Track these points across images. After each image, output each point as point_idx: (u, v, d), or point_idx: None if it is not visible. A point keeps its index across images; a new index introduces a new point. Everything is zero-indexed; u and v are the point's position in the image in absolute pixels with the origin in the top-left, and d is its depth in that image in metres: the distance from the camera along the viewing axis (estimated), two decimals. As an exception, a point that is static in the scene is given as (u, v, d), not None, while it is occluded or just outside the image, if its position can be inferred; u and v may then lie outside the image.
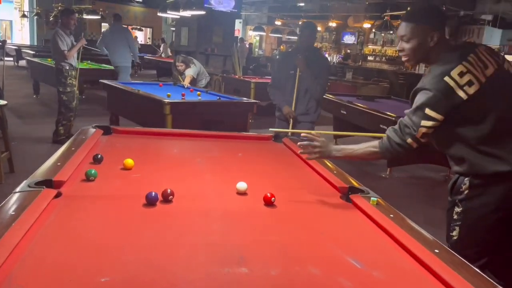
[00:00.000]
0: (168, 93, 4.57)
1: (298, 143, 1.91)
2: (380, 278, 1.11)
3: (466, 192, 1.79)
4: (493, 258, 1.80)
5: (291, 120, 3.67)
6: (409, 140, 1.75)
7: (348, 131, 6.11)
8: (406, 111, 1.80)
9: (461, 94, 1.67)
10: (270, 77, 4.65)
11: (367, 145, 1.89)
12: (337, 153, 1.89)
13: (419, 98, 1.73)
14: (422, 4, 1.86)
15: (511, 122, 1.74)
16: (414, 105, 1.75)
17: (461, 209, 1.81)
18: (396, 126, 1.80)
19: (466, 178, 1.78)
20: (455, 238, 1.84)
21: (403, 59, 1.93)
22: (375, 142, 1.86)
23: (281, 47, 17.21)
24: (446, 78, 1.68)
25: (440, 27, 1.81)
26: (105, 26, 17.09)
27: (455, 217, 1.83)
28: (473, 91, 1.67)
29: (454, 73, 1.69)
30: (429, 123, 1.70)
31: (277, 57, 4.68)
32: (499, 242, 1.81)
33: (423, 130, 1.71)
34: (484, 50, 1.79)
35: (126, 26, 9.19)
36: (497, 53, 1.86)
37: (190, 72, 6.01)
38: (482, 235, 1.79)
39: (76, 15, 5.36)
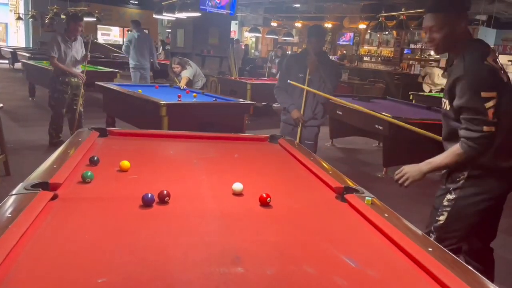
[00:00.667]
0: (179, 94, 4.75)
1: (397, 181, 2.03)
2: (375, 276, 1.12)
3: (462, 181, 1.90)
4: (472, 243, 1.95)
5: (300, 125, 3.63)
6: (485, 128, 1.75)
7: (344, 132, 6.14)
8: (459, 104, 1.81)
9: (503, 76, 1.78)
10: (265, 78, 4.66)
11: (451, 152, 1.89)
12: (426, 167, 1.96)
13: (467, 88, 1.76)
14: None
15: None
16: (464, 97, 1.77)
17: (453, 196, 1.94)
18: (464, 126, 1.81)
19: (466, 169, 1.88)
20: (441, 222, 1.97)
21: (432, 48, 1.98)
22: (457, 146, 1.86)
23: (276, 49, 17.19)
24: (486, 62, 1.76)
25: (466, 15, 1.89)
26: (101, 28, 17.12)
27: (445, 203, 1.96)
28: (506, 79, 1.77)
29: (489, 59, 1.78)
30: (491, 103, 1.73)
31: (288, 57, 4.67)
32: (482, 229, 1.96)
33: (491, 110, 1.73)
34: (495, 52, 1.89)
35: (147, 32, 10.04)
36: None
37: (186, 74, 6.03)
38: (469, 222, 1.92)
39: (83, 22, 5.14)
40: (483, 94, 1.73)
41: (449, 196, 1.96)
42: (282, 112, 3.82)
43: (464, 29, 1.87)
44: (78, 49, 5.04)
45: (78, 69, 5.10)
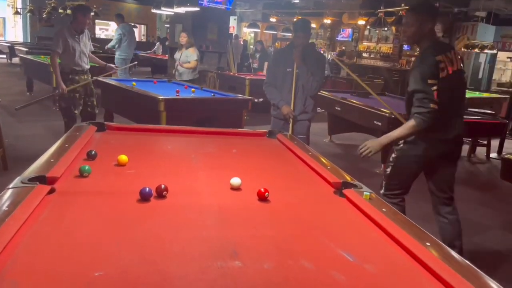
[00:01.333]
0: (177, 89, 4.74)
1: (360, 154, 2.52)
2: (373, 271, 1.12)
3: (401, 144, 2.59)
4: (407, 188, 2.69)
5: (291, 120, 3.62)
6: (432, 105, 2.31)
7: (343, 128, 6.14)
8: (414, 88, 2.40)
9: (440, 73, 2.36)
10: (264, 74, 4.65)
11: (406, 125, 2.43)
12: (385, 139, 2.50)
13: (420, 74, 2.36)
14: (421, 1, 2.62)
15: (454, 107, 2.49)
16: (418, 81, 2.36)
17: (395, 155, 2.66)
18: (417, 104, 2.36)
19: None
20: (388, 173, 2.71)
21: (404, 39, 2.67)
22: (411, 121, 2.40)
23: (276, 44, 17.19)
24: (437, 58, 2.36)
25: (433, 19, 2.47)
26: (99, 23, 17.05)
27: (391, 159, 2.70)
28: (443, 76, 2.37)
29: (438, 58, 2.37)
30: (434, 87, 2.32)
31: (272, 54, 4.69)
32: (413, 178, 2.66)
33: (435, 93, 2.32)
34: (455, 53, 2.50)
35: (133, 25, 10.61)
36: (462, 58, 2.56)
37: (195, 57, 6.15)
38: (406, 172, 2.65)
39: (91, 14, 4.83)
40: (430, 81, 2.32)
41: (393, 155, 2.67)
42: (272, 107, 3.80)
43: (430, 30, 2.46)
44: (86, 43, 4.72)
45: (87, 64, 4.77)
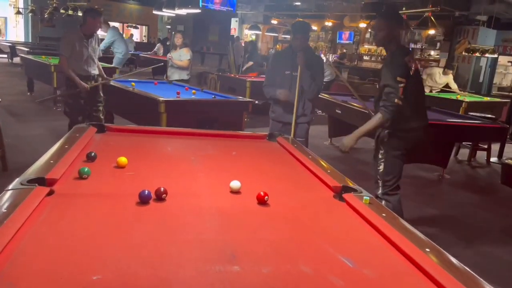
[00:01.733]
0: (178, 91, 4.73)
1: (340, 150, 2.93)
2: (372, 276, 1.12)
3: (386, 139, 2.88)
4: (400, 178, 2.96)
5: (293, 121, 3.59)
6: (396, 100, 2.64)
7: (343, 131, 6.12)
8: (384, 83, 2.72)
9: (410, 72, 2.70)
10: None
11: (373, 118, 2.78)
12: (357, 133, 2.85)
13: (390, 73, 2.69)
14: (390, 8, 3.19)
15: (421, 100, 2.97)
16: (388, 78, 2.68)
17: (383, 151, 2.93)
18: (384, 98, 2.70)
19: (387, 131, 2.86)
20: (381, 170, 2.94)
21: (375, 41, 3.01)
22: (378, 114, 2.74)
23: (277, 46, 17.20)
24: (405, 59, 2.70)
25: (401, 26, 2.95)
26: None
27: (380, 156, 2.94)
28: (411, 74, 2.71)
29: (407, 59, 2.71)
30: (402, 85, 2.64)
31: (271, 56, 4.73)
32: (402, 167, 2.95)
33: (401, 90, 2.64)
34: (413, 55, 2.88)
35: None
36: (417, 59, 3.00)
37: (189, 57, 6.26)
38: (397, 164, 2.92)
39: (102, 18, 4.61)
40: (398, 79, 2.63)
41: (381, 151, 2.93)
42: (270, 110, 3.80)
43: (397, 35, 2.84)
44: (95, 48, 4.51)
45: (95, 70, 4.57)
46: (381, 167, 2.92)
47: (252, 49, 11.11)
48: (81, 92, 4.41)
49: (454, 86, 8.50)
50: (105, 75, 4.84)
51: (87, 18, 4.38)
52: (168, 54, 6.53)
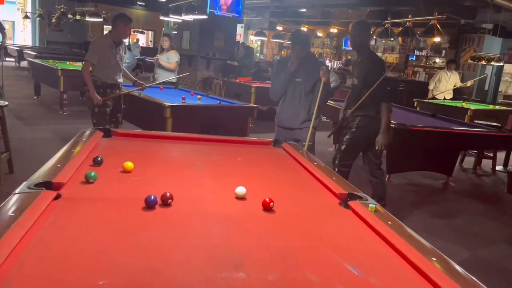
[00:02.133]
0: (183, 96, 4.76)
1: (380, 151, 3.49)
2: (378, 285, 1.11)
3: (354, 128, 3.46)
4: (355, 158, 3.58)
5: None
6: (388, 88, 3.51)
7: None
8: (373, 79, 3.33)
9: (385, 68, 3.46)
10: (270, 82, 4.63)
11: (385, 109, 3.35)
12: (385, 129, 3.36)
13: (382, 74, 3.30)
14: (359, 21, 3.72)
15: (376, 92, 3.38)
16: (376, 74, 3.31)
17: (349, 136, 3.50)
18: (385, 93, 3.40)
19: (358, 118, 3.46)
20: (342, 149, 3.50)
21: (351, 45, 3.64)
22: (385, 104, 3.35)
23: (283, 52, 17.24)
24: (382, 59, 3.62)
25: (367, 34, 3.55)
26: (108, 29, 17.20)
27: (345, 139, 3.51)
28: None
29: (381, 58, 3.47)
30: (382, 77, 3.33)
31: (275, 63, 4.71)
32: (359, 152, 3.59)
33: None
34: None
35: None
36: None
37: (176, 59, 6.34)
38: (358, 149, 3.57)
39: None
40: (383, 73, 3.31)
41: (347, 136, 3.49)
42: (275, 116, 3.80)
43: (368, 42, 3.58)
44: (122, 56, 4.40)
45: (120, 78, 4.45)
46: (343, 147, 3.50)
47: (245, 51, 10.66)
48: (93, 105, 4.28)
49: (459, 84, 8.46)
50: (138, 81, 4.65)
51: (118, 23, 4.19)
52: (156, 56, 6.50)
